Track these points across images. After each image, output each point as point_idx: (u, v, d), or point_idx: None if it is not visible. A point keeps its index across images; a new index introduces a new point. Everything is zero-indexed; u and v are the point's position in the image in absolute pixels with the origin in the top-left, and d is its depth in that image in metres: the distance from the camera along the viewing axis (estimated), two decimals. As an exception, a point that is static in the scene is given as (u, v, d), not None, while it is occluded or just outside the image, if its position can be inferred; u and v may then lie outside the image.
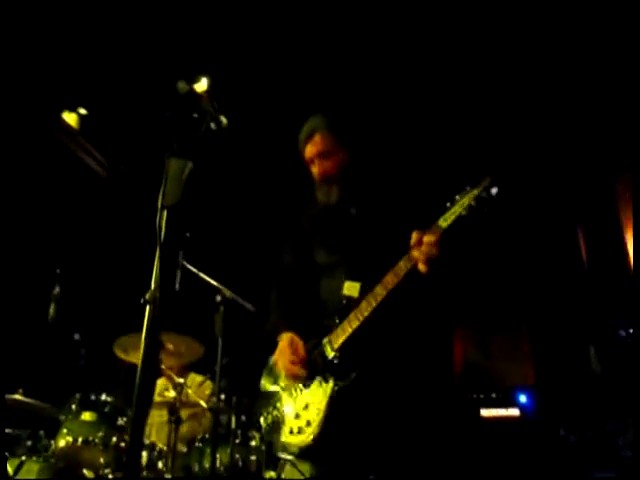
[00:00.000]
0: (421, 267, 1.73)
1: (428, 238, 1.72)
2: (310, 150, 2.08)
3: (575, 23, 3.80)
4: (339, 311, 1.92)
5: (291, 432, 1.91)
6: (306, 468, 2.12)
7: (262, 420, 2.04)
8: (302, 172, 2.17)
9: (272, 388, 2.07)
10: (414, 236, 1.76)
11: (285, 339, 2.00)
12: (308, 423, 1.85)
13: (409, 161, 4.06)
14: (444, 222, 1.73)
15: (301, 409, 1.91)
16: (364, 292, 1.87)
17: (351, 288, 1.92)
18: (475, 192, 1.72)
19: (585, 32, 3.85)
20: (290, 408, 1.96)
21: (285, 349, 1.97)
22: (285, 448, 1.92)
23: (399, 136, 4.42)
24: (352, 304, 1.89)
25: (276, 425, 1.98)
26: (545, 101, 4.36)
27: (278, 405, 2.02)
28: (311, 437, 1.83)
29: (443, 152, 4.49)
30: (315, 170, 2.09)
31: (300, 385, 1.96)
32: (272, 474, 2.99)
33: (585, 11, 3.70)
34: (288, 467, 2.75)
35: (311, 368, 1.93)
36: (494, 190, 1.71)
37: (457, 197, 1.75)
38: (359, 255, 1.96)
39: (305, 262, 2.15)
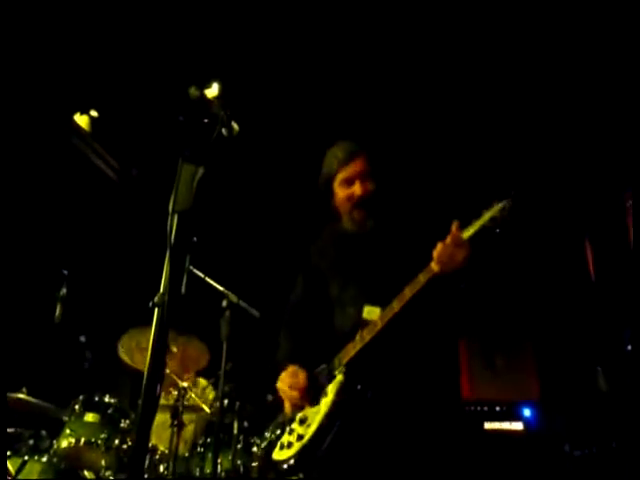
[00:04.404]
0: (434, 266, 1.73)
1: (449, 239, 1.73)
2: (354, 168, 2.03)
3: (597, 38, 3.80)
4: (354, 336, 1.88)
5: (281, 447, 1.89)
6: None
7: (267, 434, 2.02)
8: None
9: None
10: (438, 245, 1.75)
11: (288, 370, 1.98)
12: (299, 437, 1.83)
13: (428, 185, 4.07)
14: (467, 232, 1.74)
15: (297, 424, 1.89)
16: None
17: (371, 312, 1.88)
18: (500, 205, 1.73)
19: (603, 46, 3.84)
20: (289, 426, 1.94)
21: (286, 378, 1.96)
22: (275, 466, 1.88)
23: (415, 160, 4.41)
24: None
25: (273, 444, 1.97)
26: (556, 115, 4.35)
27: (278, 427, 2.01)
28: (297, 450, 1.80)
29: (457, 173, 4.49)
30: (354, 189, 2.02)
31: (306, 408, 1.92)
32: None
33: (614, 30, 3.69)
34: None
35: (316, 393, 1.89)
36: (518, 201, 1.73)
37: (484, 211, 1.76)
38: (379, 282, 1.93)
39: (317, 297, 2.12)
